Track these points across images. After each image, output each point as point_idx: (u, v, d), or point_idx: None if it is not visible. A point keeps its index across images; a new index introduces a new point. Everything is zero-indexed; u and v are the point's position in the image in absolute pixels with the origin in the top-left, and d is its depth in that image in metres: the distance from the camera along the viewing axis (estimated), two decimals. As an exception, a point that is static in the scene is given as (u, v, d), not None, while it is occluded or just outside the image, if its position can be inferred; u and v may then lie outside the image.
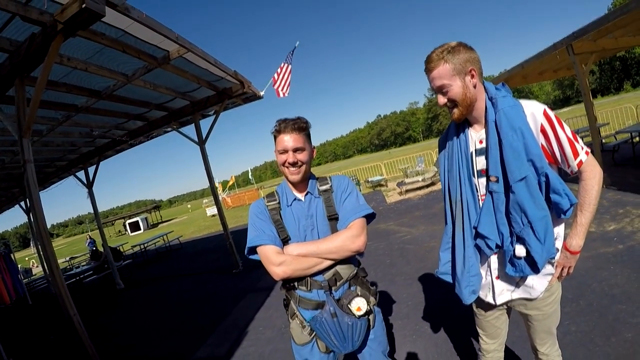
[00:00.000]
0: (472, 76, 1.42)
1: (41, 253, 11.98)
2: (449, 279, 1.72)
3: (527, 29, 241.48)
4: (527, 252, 1.42)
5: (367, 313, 1.64)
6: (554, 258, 1.48)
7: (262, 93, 7.47)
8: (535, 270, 1.43)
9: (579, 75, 6.72)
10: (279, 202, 1.73)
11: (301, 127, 1.65)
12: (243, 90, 6.75)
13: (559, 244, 1.51)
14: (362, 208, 1.69)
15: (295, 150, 1.64)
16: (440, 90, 1.44)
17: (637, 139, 8.42)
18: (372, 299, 1.71)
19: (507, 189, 1.43)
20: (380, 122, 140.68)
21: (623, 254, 3.74)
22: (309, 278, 1.64)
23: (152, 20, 3.86)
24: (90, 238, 20.27)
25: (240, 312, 5.05)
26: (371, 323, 1.73)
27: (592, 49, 6.76)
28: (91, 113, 6.03)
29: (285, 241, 1.66)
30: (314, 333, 1.67)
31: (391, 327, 3.51)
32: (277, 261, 1.56)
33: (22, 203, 11.62)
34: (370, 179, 15.75)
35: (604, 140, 9.92)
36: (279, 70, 7.80)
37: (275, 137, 1.67)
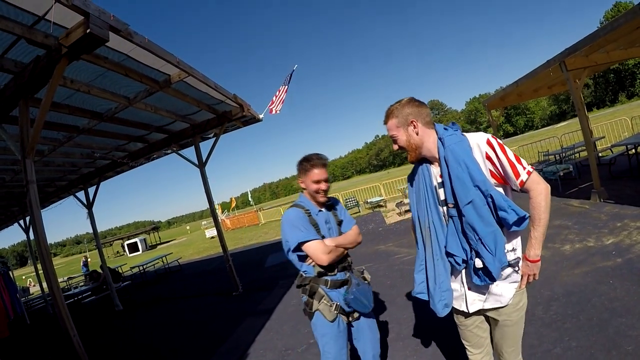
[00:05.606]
0: (414, 126, 1.72)
1: (40, 272, 11.85)
2: (425, 297, 1.91)
3: (521, 46, 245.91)
4: (483, 263, 1.60)
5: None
6: (508, 266, 1.65)
7: (261, 116, 7.59)
8: (491, 278, 1.61)
9: (573, 90, 6.82)
10: (309, 211, 2.32)
11: (326, 163, 2.33)
12: (242, 114, 6.83)
13: (519, 254, 1.70)
14: (352, 218, 2.53)
15: (326, 180, 2.29)
16: (392, 139, 1.81)
17: (633, 151, 8.51)
18: None
19: (460, 212, 1.64)
20: (378, 143, 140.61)
21: (622, 267, 3.74)
22: (335, 264, 2.28)
23: (154, 45, 3.95)
24: (85, 259, 19.88)
25: (241, 335, 4.98)
26: None
27: (584, 64, 6.86)
28: (92, 134, 6.11)
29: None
30: (337, 311, 2.24)
31: (392, 348, 3.49)
32: (327, 250, 2.18)
33: (21, 221, 11.58)
34: (369, 200, 15.69)
35: (600, 154, 9.99)
36: (277, 93, 7.97)
37: (306, 170, 2.28)
